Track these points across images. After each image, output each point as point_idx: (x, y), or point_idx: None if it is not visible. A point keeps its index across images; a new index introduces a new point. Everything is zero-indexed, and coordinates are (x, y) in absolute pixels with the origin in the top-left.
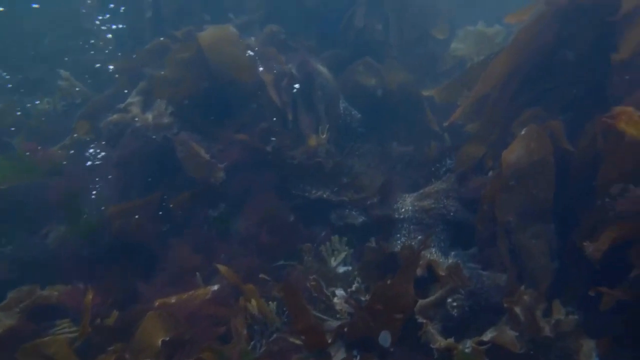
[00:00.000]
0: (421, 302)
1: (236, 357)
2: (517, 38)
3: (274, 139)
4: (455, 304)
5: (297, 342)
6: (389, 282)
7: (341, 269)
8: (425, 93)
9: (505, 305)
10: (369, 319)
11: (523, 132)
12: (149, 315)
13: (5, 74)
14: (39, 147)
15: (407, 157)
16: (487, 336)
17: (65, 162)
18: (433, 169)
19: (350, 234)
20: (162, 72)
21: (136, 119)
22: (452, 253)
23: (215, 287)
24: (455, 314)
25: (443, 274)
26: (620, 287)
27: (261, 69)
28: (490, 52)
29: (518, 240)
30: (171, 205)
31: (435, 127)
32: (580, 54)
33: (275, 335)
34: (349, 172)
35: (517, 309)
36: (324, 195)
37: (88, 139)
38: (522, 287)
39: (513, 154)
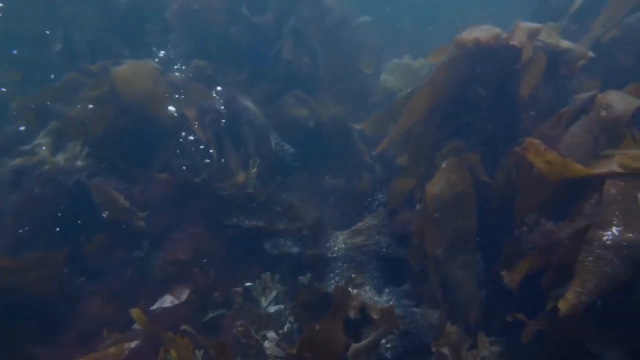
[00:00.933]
0: (354, 346)
1: None
2: (434, 76)
3: (202, 173)
4: (388, 345)
5: None
6: (317, 327)
7: (272, 309)
8: (357, 126)
9: (433, 349)
10: None
11: (444, 165)
12: None
13: None
14: None
15: (340, 190)
16: None
17: None
18: (365, 203)
19: (285, 264)
20: (75, 110)
21: (44, 163)
22: (386, 290)
23: (133, 344)
24: (389, 356)
25: (376, 316)
26: (539, 318)
27: (184, 105)
28: (416, 85)
29: (447, 271)
30: (86, 250)
31: (367, 158)
32: (492, 92)
33: None
34: (282, 203)
35: (445, 350)
36: (259, 224)
37: None
38: (450, 326)
39: (435, 186)
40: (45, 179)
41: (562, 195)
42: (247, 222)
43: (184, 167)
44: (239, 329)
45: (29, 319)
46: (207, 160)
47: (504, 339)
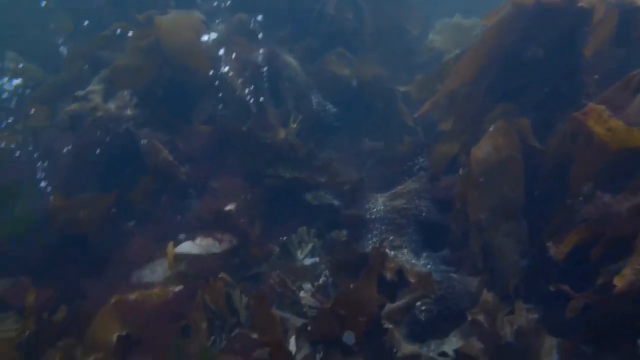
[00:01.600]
0: (389, 306)
1: (195, 352)
2: (486, 35)
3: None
4: (423, 308)
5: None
6: (351, 286)
7: (308, 261)
8: (401, 88)
9: (469, 317)
10: (332, 322)
11: (491, 129)
12: (105, 310)
13: None
14: None
15: (379, 153)
16: (453, 345)
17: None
18: (405, 166)
19: (323, 219)
20: (123, 60)
21: (97, 109)
22: (424, 254)
23: (177, 288)
24: (423, 319)
25: (413, 280)
26: (586, 291)
27: (226, 58)
28: (466, 47)
29: (490, 238)
30: (133, 196)
31: (409, 121)
32: (551, 53)
33: (237, 331)
34: (323, 159)
35: (481, 317)
36: (300, 176)
37: (42, 125)
38: (487, 293)
39: (481, 150)
40: (97, 126)
41: (622, 166)
42: (287, 173)
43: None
44: (275, 279)
45: (78, 255)
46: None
47: (542, 309)
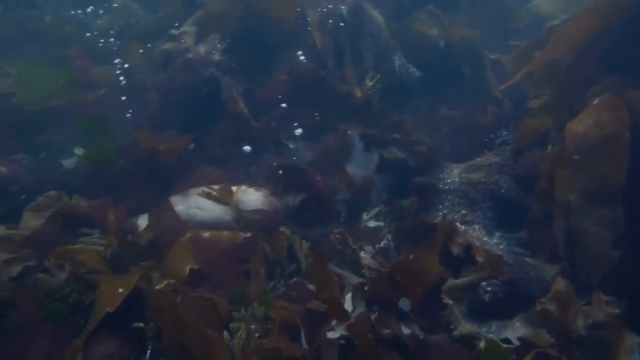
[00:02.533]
0: (451, 282)
1: (254, 294)
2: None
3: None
4: (489, 289)
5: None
6: (411, 256)
7: (372, 224)
8: (492, 56)
9: (538, 307)
10: (389, 286)
11: (595, 102)
12: (181, 242)
13: None
14: (91, 64)
15: (457, 121)
16: (517, 332)
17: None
18: (486, 139)
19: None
20: (215, 4)
21: (189, 51)
22: (498, 233)
23: (248, 235)
24: (487, 299)
25: (481, 259)
26: None
27: (309, 7)
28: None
29: (577, 223)
30: (209, 141)
31: (495, 91)
32: None
33: (295, 279)
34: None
35: (552, 307)
36: (372, 132)
37: (137, 62)
38: (561, 280)
39: (580, 125)
40: (187, 67)
41: None
42: (360, 129)
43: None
44: (337, 236)
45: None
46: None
47: (626, 304)
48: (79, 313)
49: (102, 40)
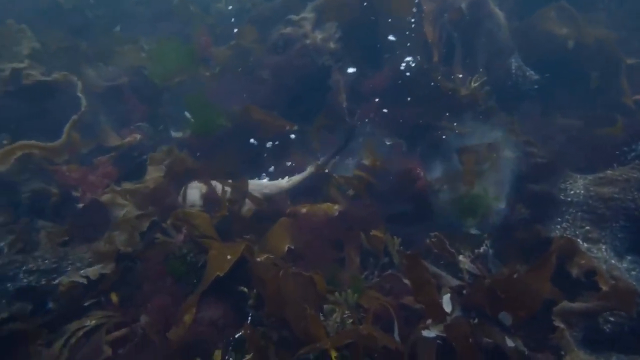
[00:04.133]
0: (565, 304)
1: (347, 280)
2: None
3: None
4: (612, 319)
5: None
6: (516, 275)
7: (473, 231)
8: (629, 60)
9: None
10: (489, 299)
11: None
12: (281, 221)
13: None
14: (211, 44)
15: (574, 131)
16: None
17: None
18: (617, 152)
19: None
20: None
21: (307, 37)
22: (629, 257)
23: (341, 207)
24: (608, 330)
25: (606, 288)
26: None
27: None
28: None
29: None
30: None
31: (629, 100)
32: None
33: (389, 272)
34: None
35: None
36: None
37: (250, 45)
38: None
39: None
40: (303, 52)
41: None
42: (460, 127)
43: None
44: (433, 239)
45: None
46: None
47: None
48: (193, 272)
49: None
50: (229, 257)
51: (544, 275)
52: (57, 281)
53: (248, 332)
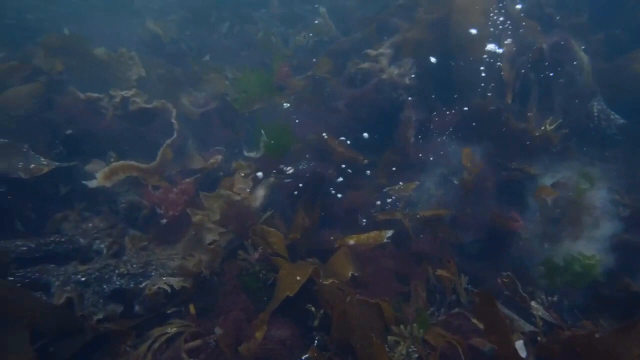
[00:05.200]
0: None
1: (411, 313)
2: None
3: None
4: None
5: (480, 326)
6: (597, 335)
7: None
8: None
9: None
10: (565, 354)
11: None
12: (341, 250)
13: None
14: (289, 74)
15: None
16: None
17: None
18: None
19: None
20: (412, 32)
21: (383, 72)
22: None
23: (389, 233)
24: None
25: None
26: None
27: (506, 39)
28: None
29: None
30: (379, 162)
31: None
32: None
33: (457, 310)
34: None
35: None
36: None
37: (326, 75)
38: None
39: None
40: (379, 87)
41: None
42: (532, 169)
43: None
44: (505, 279)
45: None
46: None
47: None
48: (264, 289)
49: (296, 55)
50: (298, 278)
51: (633, 338)
52: (143, 285)
53: (315, 355)
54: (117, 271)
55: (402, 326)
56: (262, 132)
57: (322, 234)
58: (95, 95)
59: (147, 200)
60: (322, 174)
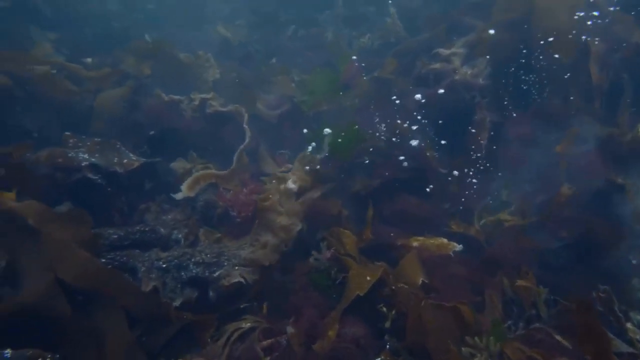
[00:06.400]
0: None
1: (487, 323)
2: None
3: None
4: None
5: (565, 343)
6: None
7: None
8: None
9: None
10: None
11: None
12: (411, 254)
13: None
14: (356, 74)
15: None
16: None
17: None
18: None
19: None
20: (488, 32)
21: (456, 72)
22: None
23: (458, 247)
24: None
25: None
26: None
27: (594, 36)
28: None
29: None
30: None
31: None
32: None
33: (537, 325)
34: None
35: None
36: (628, 182)
37: (391, 76)
38: None
39: None
40: (451, 87)
41: None
42: (619, 178)
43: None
44: (602, 294)
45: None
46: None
47: None
48: (334, 287)
49: (360, 56)
50: (368, 278)
51: None
52: (217, 274)
53: (388, 359)
54: (193, 259)
55: (476, 338)
56: (327, 131)
57: (383, 230)
58: (177, 97)
59: (220, 202)
60: (392, 176)
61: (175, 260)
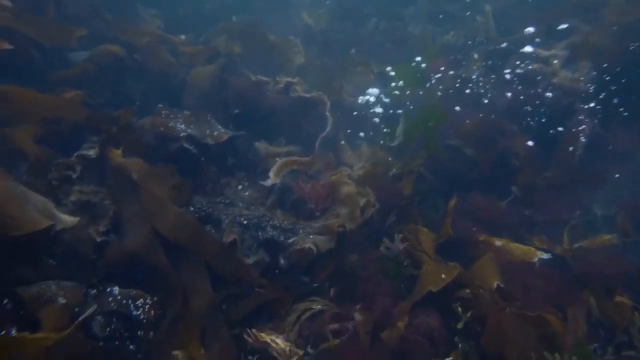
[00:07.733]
0: None
1: (570, 341)
2: None
3: None
4: None
5: None
6: None
7: None
8: None
9: None
10: None
11: None
12: (487, 256)
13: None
14: (442, 68)
15: None
16: None
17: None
18: None
19: None
20: (595, 36)
21: (555, 75)
22: None
23: (546, 256)
24: None
25: None
26: None
27: None
28: None
29: None
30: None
31: None
32: None
33: (631, 353)
34: None
35: None
36: None
37: (475, 74)
38: None
39: None
40: (547, 91)
41: None
42: None
43: None
44: None
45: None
46: None
47: None
48: (404, 279)
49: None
50: (443, 276)
51: None
52: (291, 240)
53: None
54: (270, 222)
55: (557, 354)
56: (403, 117)
57: (461, 224)
58: (264, 78)
59: (298, 193)
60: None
61: (255, 220)
